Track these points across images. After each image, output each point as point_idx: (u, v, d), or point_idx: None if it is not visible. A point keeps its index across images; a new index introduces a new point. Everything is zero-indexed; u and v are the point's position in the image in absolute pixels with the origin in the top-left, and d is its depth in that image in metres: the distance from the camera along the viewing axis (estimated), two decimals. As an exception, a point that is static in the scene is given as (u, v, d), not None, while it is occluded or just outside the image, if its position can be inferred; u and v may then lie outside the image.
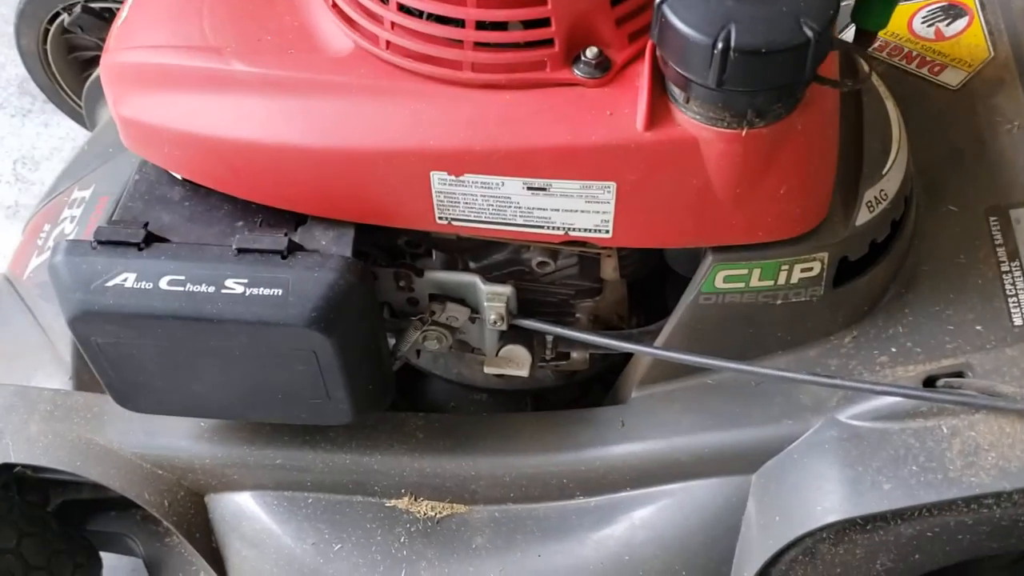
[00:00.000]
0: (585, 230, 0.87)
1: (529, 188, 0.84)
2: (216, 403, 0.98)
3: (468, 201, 0.86)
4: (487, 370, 1.04)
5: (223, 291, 0.87)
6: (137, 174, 0.99)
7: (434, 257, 1.07)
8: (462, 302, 0.99)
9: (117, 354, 0.93)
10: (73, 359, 1.14)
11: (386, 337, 1.01)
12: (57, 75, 1.64)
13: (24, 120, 1.91)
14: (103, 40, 1.38)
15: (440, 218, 0.89)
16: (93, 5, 1.48)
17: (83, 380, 1.13)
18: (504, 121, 0.82)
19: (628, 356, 1.09)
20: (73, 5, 1.49)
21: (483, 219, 0.88)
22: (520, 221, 0.88)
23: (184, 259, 0.88)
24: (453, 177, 0.84)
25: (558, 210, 0.86)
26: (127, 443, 1.08)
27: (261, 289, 0.86)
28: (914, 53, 1.16)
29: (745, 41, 0.71)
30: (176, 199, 0.97)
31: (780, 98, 0.78)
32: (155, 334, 0.89)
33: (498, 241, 1.00)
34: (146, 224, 0.90)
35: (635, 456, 1.00)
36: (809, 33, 0.71)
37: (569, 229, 0.87)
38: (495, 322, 0.97)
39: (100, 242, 0.89)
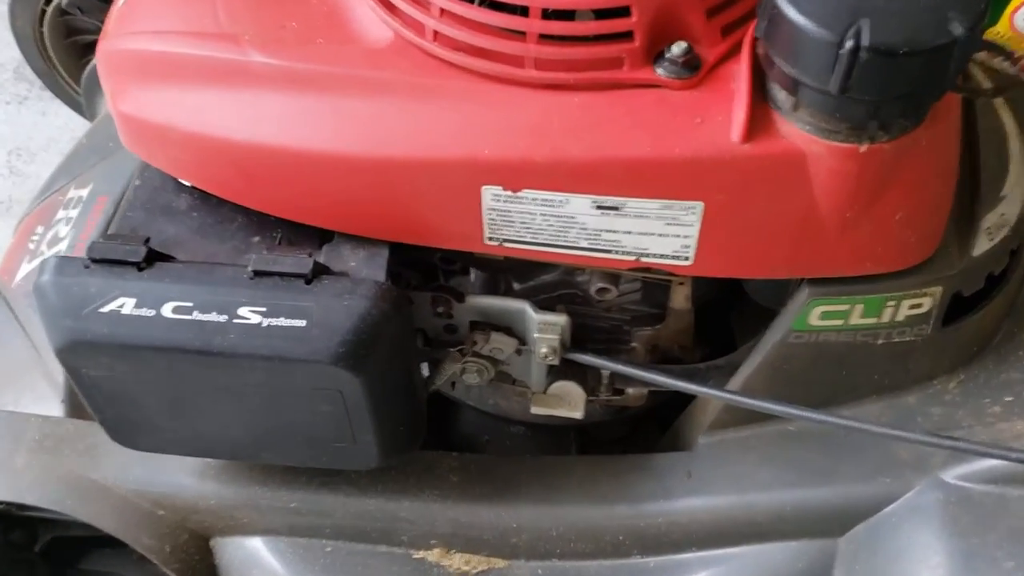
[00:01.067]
0: (662, 256, 0.75)
1: (599, 208, 0.71)
2: (226, 444, 0.86)
3: (525, 221, 0.74)
4: (535, 410, 0.92)
5: (236, 321, 0.74)
6: (138, 179, 0.86)
7: (472, 277, 0.95)
8: (508, 331, 0.86)
9: (113, 389, 0.80)
10: (66, 380, 1.01)
11: (420, 371, 0.88)
12: (55, 60, 1.52)
13: (20, 108, 1.78)
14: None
15: (490, 239, 0.76)
16: (94, -16, 1.36)
17: (77, 404, 1.00)
18: (572, 128, 0.69)
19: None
20: (72, -17, 1.36)
21: (540, 241, 0.75)
22: (584, 244, 0.75)
23: (191, 282, 0.76)
24: (509, 193, 0.72)
25: (631, 233, 0.73)
26: (124, 479, 0.96)
27: (281, 319, 0.74)
28: (1017, 55, 1.03)
29: (881, 39, 0.58)
30: (182, 209, 0.84)
31: (909, 108, 0.65)
32: (157, 368, 0.77)
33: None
34: (147, 240, 0.78)
35: (703, 512, 0.87)
36: (957, 31, 0.58)
37: (642, 255, 0.75)
38: (546, 356, 0.84)
39: (94, 260, 0.76)
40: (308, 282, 0.75)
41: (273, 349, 0.74)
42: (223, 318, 0.74)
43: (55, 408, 1.04)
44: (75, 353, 0.76)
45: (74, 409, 1.02)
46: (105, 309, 0.75)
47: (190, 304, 0.75)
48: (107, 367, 0.77)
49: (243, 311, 0.74)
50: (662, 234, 0.73)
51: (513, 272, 0.92)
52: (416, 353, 0.86)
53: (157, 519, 0.96)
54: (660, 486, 0.89)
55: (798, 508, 0.84)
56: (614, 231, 0.73)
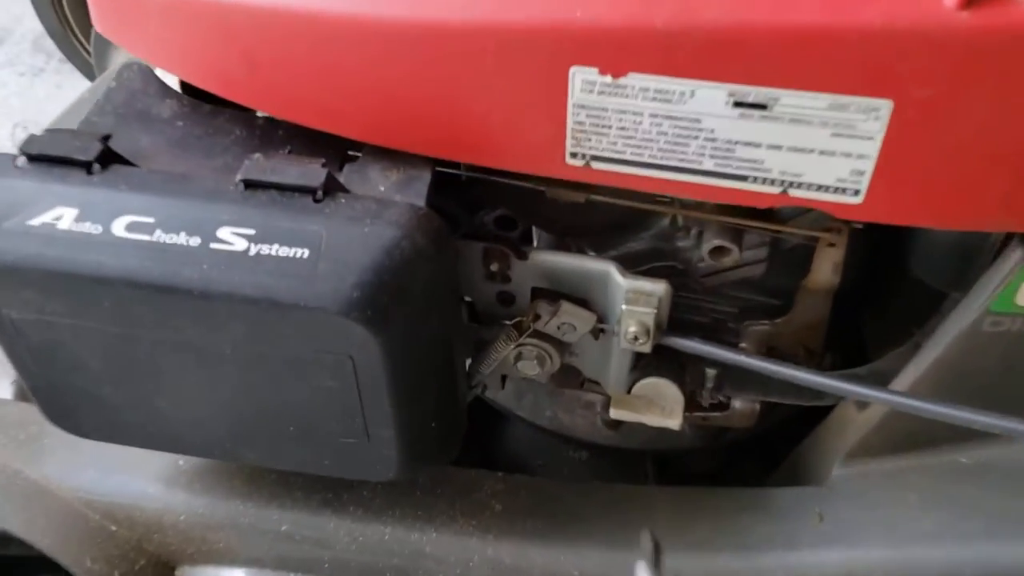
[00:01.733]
0: (820, 188, 0.52)
1: (737, 105, 0.50)
2: (195, 433, 0.64)
3: (626, 126, 0.52)
4: (614, 414, 0.69)
5: (214, 246, 0.53)
6: (114, 80, 0.66)
7: (535, 244, 0.73)
8: (584, 304, 0.64)
9: (43, 340, 0.59)
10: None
11: (463, 348, 0.66)
12: (70, 19, 1.35)
13: (34, 80, 1.62)
14: None
15: (573, 154, 0.54)
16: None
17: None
18: (710, -19, 0.48)
19: (815, 414, 0.73)
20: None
21: (644, 160, 0.54)
22: (709, 166, 0.53)
23: (156, 191, 0.55)
24: (608, 80, 0.50)
25: (780, 148, 0.51)
26: (70, 481, 0.74)
27: (275, 247, 0.53)
28: None
29: None
30: (164, 116, 0.64)
31: None
32: (102, 311, 0.55)
33: (641, 213, 0.65)
34: (107, 137, 0.57)
35: (840, 567, 0.63)
36: None
37: (793, 184, 0.52)
38: (635, 339, 0.62)
39: (30, 157, 0.56)
40: (318, 200, 0.54)
41: (262, 288, 0.52)
42: (195, 240, 0.53)
43: (4, 389, 0.83)
44: (-9, 282, 0.55)
45: (24, 392, 0.81)
46: (35, 221, 0.54)
47: (151, 220, 0.54)
48: (35, 307, 0.56)
49: (224, 233, 0.53)
50: (825, 151, 0.50)
51: (590, 235, 0.70)
52: (459, 316, 0.63)
53: (108, 536, 0.73)
54: (779, 530, 0.65)
55: (982, 568, 0.60)
56: (755, 144, 0.51)
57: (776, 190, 0.53)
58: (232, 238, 0.53)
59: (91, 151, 0.56)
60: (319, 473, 0.66)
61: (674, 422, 0.66)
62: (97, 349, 0.59)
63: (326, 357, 0.55)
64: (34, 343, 0.59)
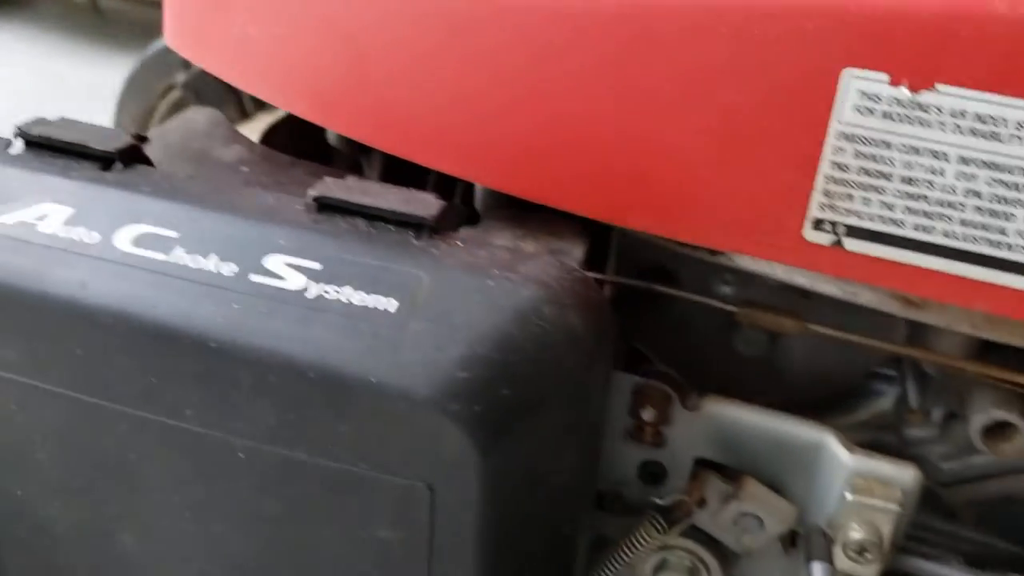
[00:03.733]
0: None
1: (1110, 149, 0.31)
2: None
3: (917, 176, 0.34)
4: None
5: (256, 278, 0.34)
6: (173, 121, 0.52)
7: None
8: (776, 490, 0.42)
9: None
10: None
11: (583, 536, 0.44)
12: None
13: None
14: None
15: (819, 223, 0.36)
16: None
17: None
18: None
19: None
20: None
21: (935, 239, 0.35)
22: (1040, 258, 0.34)
23: (188, 202, 0.37)
24: (903, 93, 0.33)
25: None
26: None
27: (348, 291, 0.34)
28: None
29: None
30: (227, 160, 0.48)
31: None
32: (71, 363, 0.36)
33: (864, 370, 0.46)
34: (142, 138, 0.41)
35: None
36: None
37: None
38: (860, 552, 0.39)
39: (29, 143, 0.40)
40: (418, 236, 0.36)
41: (314, 348, 0.33)
42: (230, 268, 0.35)
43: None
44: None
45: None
46: (7, 218, 0.36)
47: (172, 234, 0.36)
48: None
49: (274, 263, 0.35)
50: None
51: (771, 382, 0.50)
52: (595, 469, 0.42)
53: None
54: None
55: None
56: None
57: None
58: (285, 271, 0.35)
59: (114, 142, 0.39)
60: None
61: None
62: (50, 432, 0.38)
63: (391, 481, 0.34)
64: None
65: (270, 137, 0.58)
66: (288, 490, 0.36)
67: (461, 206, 0.43)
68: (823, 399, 0.48)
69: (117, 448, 0.38)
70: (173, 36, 0.50)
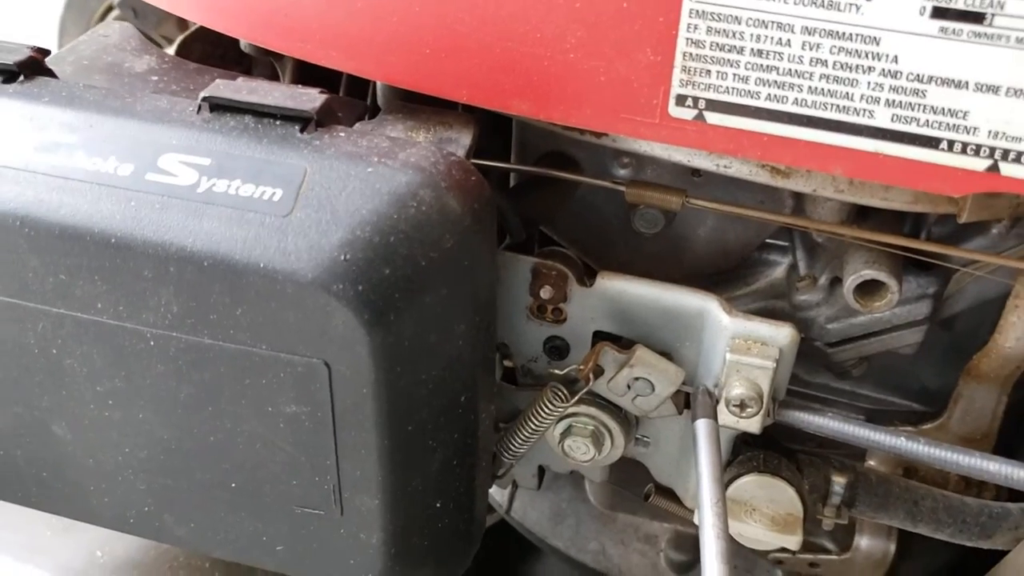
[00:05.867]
0: (1053, 155, 0.35)
1: (938, 13, 0.33)
2: (104, 483, 0.45)
3: (766, 48, 0.36)
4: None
5: (151, 176, 0.36)
6: (86, 36, 0.53)
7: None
8: (668, 356, 0.45)
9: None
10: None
11: (489, 408, 0.47)
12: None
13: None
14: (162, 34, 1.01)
15: (681, 99, 0.38)
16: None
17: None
18: None
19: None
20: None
21: (789, 108, 0.37)
22: (884, 120, 0.36)
23: (87, 106, 0.39)
24: (744, -28, 0.34)
25: (996, 90, 0.34)
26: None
27: (237, 184, 0.36)
28: None
29: None
30: (138, 71, 0.49)
31: None
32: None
33: (751, 242, 0.48)
34: (44, 51, 0.43)
35: None
36: None
37: (1007, 154, 0.35)
38: (741, 407, 0.43)
39: (-69, 59, 0.41)
40: (303, 129, 0.38)
41: (208, 238, 0.35)
42: (127, 168, 0.37)
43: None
44: None
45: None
46: (-91, 132, 0.38)
47: (74, 140, 0.38)
48: None
49: (168, 161, 0.37)
50: (1066, 95, 0.33)
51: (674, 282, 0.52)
52: (492, 344, 0.45)
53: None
54: None
55: None
56: (959, 83, 0.34)
57: (981, 164, 0.36)
58: (178, 168, 0.37)
59: (15, 55, 0.41)
60: (268, 567, 0.46)
61: (792, 539, 0.46)
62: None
63: (290, 360, 0.37)
64: None
65: (188, 46, 0.59)
66: (199, 374, 0.38)
67: (359, 102, 0.45)
68: (722, 271, 0.51)
69: (41, 344, 0.40)
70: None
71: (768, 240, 0.50)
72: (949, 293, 0.47)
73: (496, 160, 0.47)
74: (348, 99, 0.45)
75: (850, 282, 0.44)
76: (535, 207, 0.49)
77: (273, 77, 0.58)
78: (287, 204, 0.35)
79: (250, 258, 0.35)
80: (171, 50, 0.58)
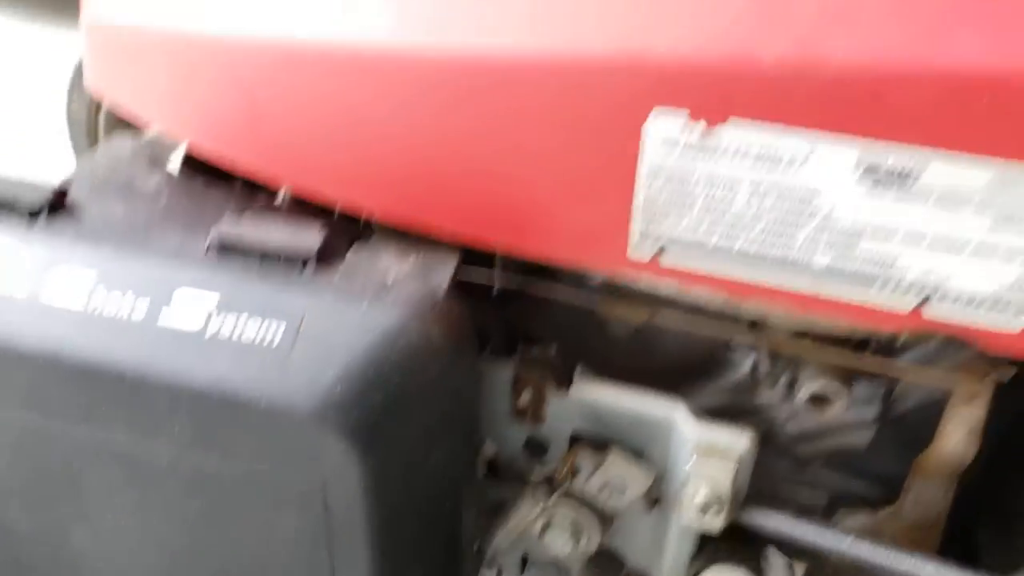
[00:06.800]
0: (971, 301, 0.39)
1: (869, 175, 0.37)
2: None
3: (716, 197, 0.40)
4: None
5: (165, 318, 0.40)
6: (99, 148, 0.57)
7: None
8: (641, 454, 0.49)
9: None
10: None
11: (473, 507, 0.51)
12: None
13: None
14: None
15: (643, 238, 0.42)
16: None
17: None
18: (839, 7, 0.37)
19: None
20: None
21: (738, 248, 0.41)
22: (824, 261, 0.40)
23: (103, 244, 0.43)
24: (699, 130, 0.38)
25: (921, 239, 0.38)
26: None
27: (243, 320, 0.40)
28: None
29: None
30: (148, 190, 0.53)
31: None
32: (12, 392, 0.42)
33: (716, 349, 0.52)
34: (65, 189, 0.47)
35: None
36: None
37: (934, 293, 0.39)
38: (704, 510, 0.46)
39: (-39, 199, 0.45)
40: (305, 268, 0.42)
41: (214, 375, 0.39)
42: (143, 304, 0.41)
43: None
44: None
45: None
46: (-52, 274, 0.42)
47: (91, 275, 0.42)
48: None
49: (181, 295, 0.41)
50: (982, 247, 0.37)
51: (645, 380, 0.56)
52: (473, 455, 0.49)
53: None
54: None
55: None
56: (889, 231, 0.38)
57: (911, 302, 0.39)
58: (190, 304, 0.40)
59: (39, 195, 0.45)
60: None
61: (751, 635, 0.49)
62: (6, 447, 0.45)
63: (290, 482, 0.41)
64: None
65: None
66: (207, 492, 0.42)
67: (353, 226, 0.49)
68: (689, 369, 0.55)
69: (64, 460, 0.44)
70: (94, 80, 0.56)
71: (733, 341, 0.54)
72: (896, 396, 0.51)
73: (484, 267, 0.51)
74: (343, 223, 0.49)
75: (803, 392, 0.48)
76: (518, 313, 0.53)
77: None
78: (287, 344, 0.39)
79: (252, 393, 0.39)
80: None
